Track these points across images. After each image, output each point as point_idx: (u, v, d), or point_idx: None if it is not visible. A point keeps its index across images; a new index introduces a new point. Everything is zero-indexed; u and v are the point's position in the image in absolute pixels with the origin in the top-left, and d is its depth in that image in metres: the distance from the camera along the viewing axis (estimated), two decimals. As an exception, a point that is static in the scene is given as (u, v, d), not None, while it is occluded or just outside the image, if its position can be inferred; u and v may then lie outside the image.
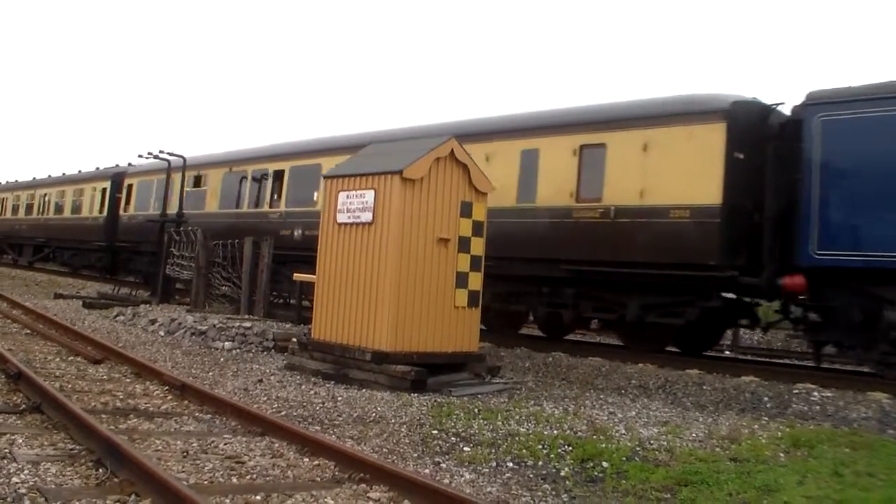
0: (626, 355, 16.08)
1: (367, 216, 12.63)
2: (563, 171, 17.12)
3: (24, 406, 8.73)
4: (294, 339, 14.35)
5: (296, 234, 23.22)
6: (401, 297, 12.20)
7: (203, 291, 21.44)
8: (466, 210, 12.98)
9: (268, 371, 13.21)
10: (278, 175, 24.96)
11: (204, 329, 16.86)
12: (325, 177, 14.34)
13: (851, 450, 9.05)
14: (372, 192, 12.60)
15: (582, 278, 16.81)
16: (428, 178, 12.50)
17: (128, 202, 34.16)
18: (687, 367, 14.49)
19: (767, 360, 19.88)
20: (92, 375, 11.47)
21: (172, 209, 26.84)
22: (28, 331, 16.10)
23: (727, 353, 20.94)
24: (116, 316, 20.44)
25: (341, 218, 13.09)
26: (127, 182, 34.51)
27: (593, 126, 16.98)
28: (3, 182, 55.11)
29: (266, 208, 25.34)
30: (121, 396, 9.97)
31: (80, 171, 42.29)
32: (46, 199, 44.19)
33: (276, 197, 25.02)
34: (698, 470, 7.72)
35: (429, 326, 12.50)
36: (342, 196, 13.13)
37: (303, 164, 23.99)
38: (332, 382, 12.35)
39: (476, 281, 13.12)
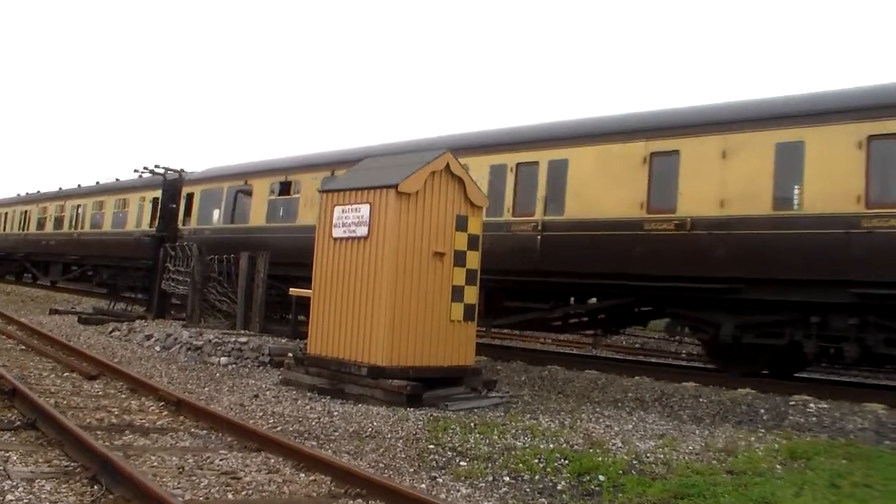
0: (623, 368, 16.08)
1: (362, 230, 12.63)
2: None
3: (18, 423, 8.72)
4: (290, 355, 14.33)
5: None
6: (396, 312, 12.19)
7: (199, 307, 21.41)
8: (462, 224, 12.98)
9: (264, 386, 13.19)
10: None
11: (200, 344, 16.84)
12: (320, 191, 14.34)
13: (848, 461, 9.05)
14: (367, 206, 12.60)
15: None
16: (423, 191, 12.51)
17: (188, 214, 29.46)
18: (683, 380, 14.47)
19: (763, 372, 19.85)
20: (87, 391, 11.44)
21: (251, 220, 25.37)
22: (23, 347, 16.07)
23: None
24: (112, 331, 20.41)
25: (337, 232, 13.08)
26: (187, 191, 29.15)
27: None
28: (22, 193, 50.92)
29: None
30: (116, 412, 9.95)
31: (117, 179, 37.72)
32: (80, 211, 39.31)
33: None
34: (695, 483, 7.71)
35: (425, 341, 12.49)
36: (337, 210, 13.12)
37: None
38: (328, 397, 12.33)
39: (472, 294, 13.11)
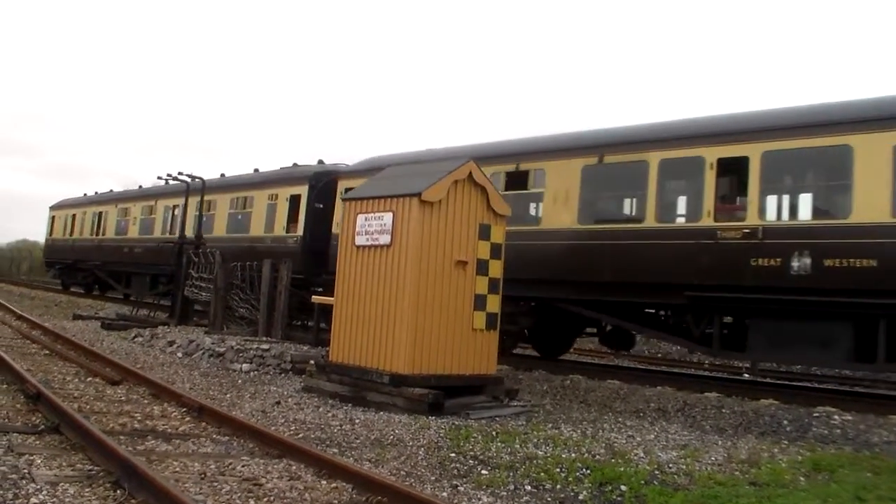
0: (645, 378, 16.02)
1: (385, 238, 12.64)
2: None
3: (42, 427, 8.76)
4: (312, 362, 14.36)
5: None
6: (419, 320, 12.19)
7: (221, 313, 21.48)
8: (485, 233, 12.98)
9: (285, 393, 13.21)
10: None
11: (222, 351, 16.89)
12: (343, 199, 14.37)
13: (873, 474, 8.97)
14: (390, 214, 12.62)
15: None
16: (446, 200, 12.51)
17: None
18: (705, 391, 14.40)
19: (787, 382, 19.74)
20: (110, 396, 11.50)
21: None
22: (47, 351, 16.17)
23: (746, 375, 20.79)
24: (135, 337, 20.51)
25: (360, 240, 13.10)
26: (344, 185, 22.71)
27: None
28: (95, 192, 45.57)
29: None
30: (139, 418, 9.98)
31: (256, 170, 31.16)
32: (177, 212, 32.82)
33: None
34: (717, 494, 7.66)
35: (447, 349, 12.49)
36: (360, 218, 13.15)
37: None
38: (350, 405, 12.34)
39: (494, 303, 13.10)
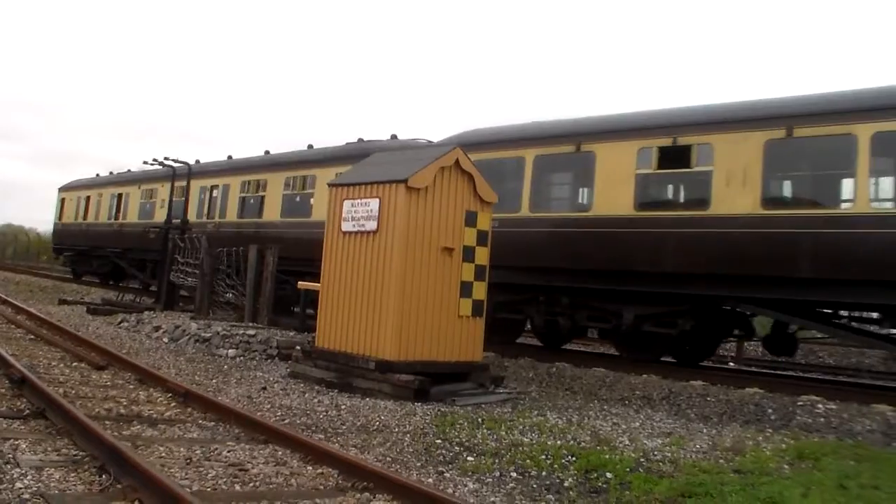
0: (630, 366, 16.04)
1: (371, 225, 12.64)
2: None
3: (27, 411, 8.74)
4: (298, 348, 14.35)
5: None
6: (405, 306, 12.20)
7: (207, 299, 21.43)
8: (471, 219, 12.99)
9: (271, 379, 13.21)
10: None
11: (208, 336, 16.87)
12: (329, 185, 14.34)
13: (856, 462, 9.03)
14: (377, 200, 12.61)
15: None
16: (433, 187, 12.52)
17: None
18: (691, 379, 14.45)
19: (771, 371, 19.83)
20: (96, 381, 11.46)
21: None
22: (32, 336, 16.10)
23: (731, 364, 20.88)
24: (120, 322, 20.45)
25: (346, 226, 13.10)
26: None
27: None
28: (112, 172, 41.12)
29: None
30: (124, 403, 9.96)
31: (310, 146, 26.94)
32: (215, 193, 29.38)
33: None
34: (702, 482, 7.69)
35: (433, 336, 12.50)
36: (347, 204, 13.14)
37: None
38: (336, 391, 12.35)
39: (480, 290, 13.12)
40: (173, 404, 10.18)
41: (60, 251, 44.81)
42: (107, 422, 8.60)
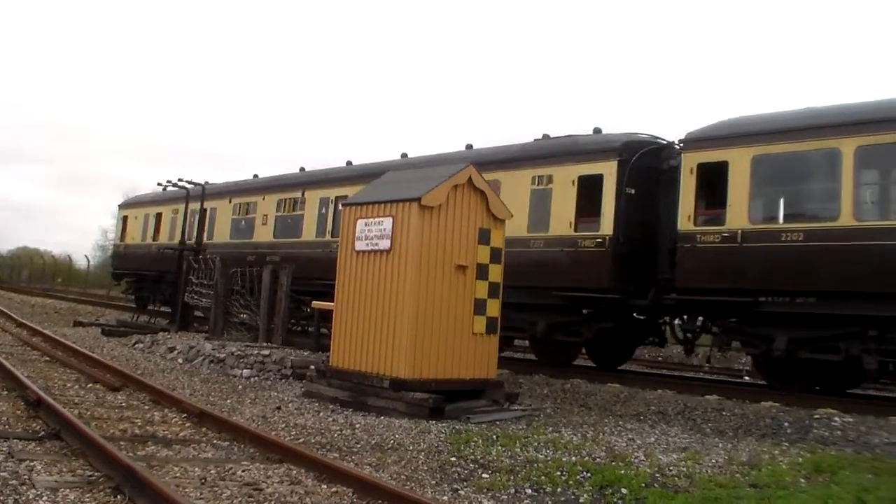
0: (645, 381, 16.01)
1: (385, 243, 12.65)
2: None
3: (43, 433, 8.77)
4: (312, 367, 14.37)
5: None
6: (419, 325, 12.20)
7: (221, 319, 21.48)
8: (484, 237, 12.99)
9: (286, 398, 13.22)
10: None
11: (222, 357, 16.90)
12: (343, 204, 14.38)
13: (874, 476, 8.96)
14: (390, 219, 12.63)
15: None
16: (446, 205, 12.53)
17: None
18: (706, 393, 14.40)
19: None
20: (111, 402, 11.50)
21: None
22: (47, 358, 16.18)
23: (746, 378, 20.79)
24: (135, 344, 20.51)
25: (359, 245, 13.11)
26: (694, 159, 16.03)
27: None
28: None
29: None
30: (139, 423, 9.99)
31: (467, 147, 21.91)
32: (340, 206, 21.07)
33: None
34: (718, 496, 7.66)
35: (447, 353, 12.49)
36: (360, 223, 13.16)
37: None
38: (350, 410, 12.34)
39: (494, 307, 13.11)
40: (188, 424, 10.20)
41: (121, 276, 37.88)
42: (122, 442, 8.63)
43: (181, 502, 5.92)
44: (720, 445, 10.77)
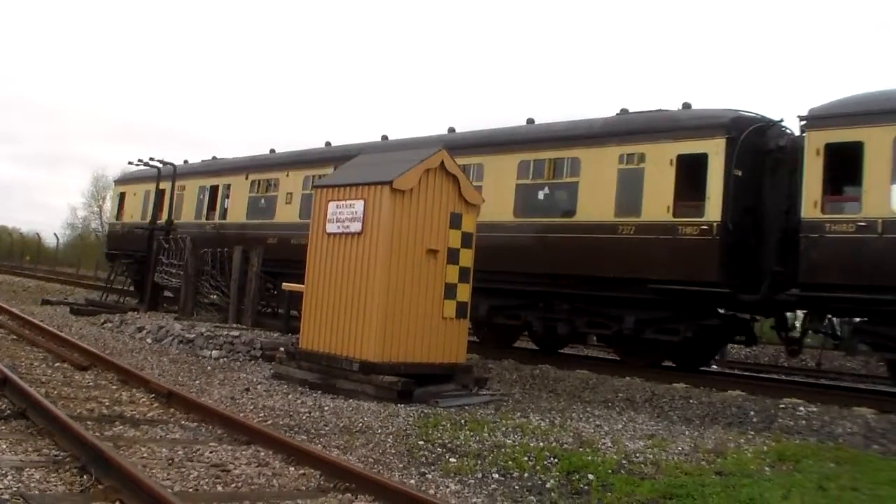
0: (614, 368, 16.07)
1: (356, 226, 12.64)
2: None
3: (8, 412, 8.70)
4: (282, 349, 14.35)
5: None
6: (389, 308, 12.20)
7: (191, 300, 21.38)
8: (456, 221, 13.00)
9: (255, 380, 13.19)
10: None
11: (191, 337, 16.84)
12: (314, 186, 14.34)
13: (836, 464, 9.08)
14: (361, 202, 12.61)
15: None
16: (418, 189, 12.52)
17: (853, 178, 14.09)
18: (674, 381, 14.49)
19: (754, 374, 19.91)
20: (78, 382, 11.43)
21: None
22: (14, 336, 16.03)
23: (714, 367, 20.95)
24: (104, 323, 20.38)
25: (330, 228, 13.09)
26: (822, 138, 14.20)
27: None
28: (184, 161, 31.29)
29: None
30: (107, 403, 9.93)
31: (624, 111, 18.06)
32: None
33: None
34: (684, 483, 7.73)
35: (417, 337, 12.51)
36: (332, 206, 13.13)
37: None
38: (319, 392, 12.34)
39: (464, 292, 13.13)
40: (156, 405, 10.16)
41: (115, 258, 32.10)
42: (89, 422, 8.58)
43: (148, 483, 5.89)
44: (686, 433, 10.85)
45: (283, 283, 17.15)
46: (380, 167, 13.33)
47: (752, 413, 12.34)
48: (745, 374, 19.83)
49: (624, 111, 17.76)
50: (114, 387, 11.33)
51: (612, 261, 15.88)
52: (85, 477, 6.46)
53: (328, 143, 25.03)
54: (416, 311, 12.49)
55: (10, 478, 6.19)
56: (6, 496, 5.76)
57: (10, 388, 9.63)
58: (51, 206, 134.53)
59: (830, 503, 7.44)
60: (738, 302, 15.18)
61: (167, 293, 25.41)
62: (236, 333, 16.75)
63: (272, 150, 27.84)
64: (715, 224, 14.81)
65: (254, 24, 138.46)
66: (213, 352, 15.91)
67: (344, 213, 12.89)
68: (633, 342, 16.69)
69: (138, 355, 15.12)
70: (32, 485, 6.13)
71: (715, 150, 15.08)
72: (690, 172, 15.40)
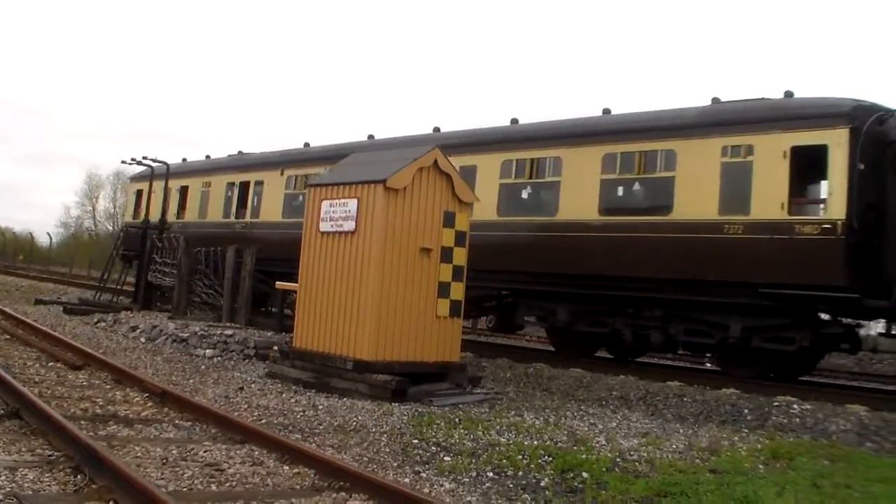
0: (608, 367, 16.06)
1: (349, 225, 12.63)
2: None
3: (1, 411, 8.66)
4: (275, 348, 14.33)
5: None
6: (382, 307, 12.20)
7: (185, 299, 21.36)
8: (449, 220, 13.00)
9: (249, 379, 13.18)
10: None
11: (185, 336, 16.82)
12: (308, 185, 14.32)
13: (830, 462, 9.10)
14: (355, 201, 12.61)
15: None
16: (411, 187, 12.52)
17: None
18: (668, 380, 14.49)
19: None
20: (72, 381, 11.41)
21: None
22: (7, 336, 15.99)
23: (708, 365, 20.94)
24: (97, 322, 20.34)
25: (324, 226, 13.09)
26: None
27: None
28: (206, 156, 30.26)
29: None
30: (100, 403, 9.92)
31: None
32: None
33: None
34: (678, 481, 7.74)
35: (410, 336, 12.51)
36: (325, 205, 13.13)
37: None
38: (313, 391, 12.34)
39: (458, 291, 13.13)
40: (150, 404, 10.14)
41: (131, 259, 29.72)
42: (82, 422, 8.56)
43: (142, 482, 5.88)
44: (681, 431, 10.87)
45: (277, 283, 17.08)
46: (373, 166, 13.33)
47: (746, 411, 12.35)
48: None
49: (716, 100, 16.19)
50: (107, 386, 11.31)
51: (715, 263, 14.50)
52: (79, 477, 6.44)
53: (371, 136, 23.70)
54: (409, 309, 12.50)
55: (3, 478, 6.17)
56: (0, 496, 5.74)
57: (4, 388, 9.59)
58: (44, 205, 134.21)
59: (824, 500, 7.44)
60: (864, 308, 13.75)
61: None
62: (230, 332, 16.74)
63: (306, 144, 25.83)
64: (839, 222, 13.41)
65: (248, 25, 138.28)
66: (207, 351, 15.89)
67: (337, 212, 12.88)
68: (738, 352, 15.19)
69: (132, 354, 15.09)
70: (26, 485, 6.11)
71: (837, 142, 13.67)
72: (807, 166, 14.20)
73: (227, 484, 6.70)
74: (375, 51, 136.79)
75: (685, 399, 13.12)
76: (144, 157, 27.87)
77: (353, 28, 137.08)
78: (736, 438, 10.38)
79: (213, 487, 6.58)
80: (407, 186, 12.45)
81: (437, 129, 21.17)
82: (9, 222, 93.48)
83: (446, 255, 12.96)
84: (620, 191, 16.24)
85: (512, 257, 17.07)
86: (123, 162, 29.01)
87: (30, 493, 5.93)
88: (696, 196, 14.78)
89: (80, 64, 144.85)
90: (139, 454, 7.44)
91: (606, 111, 17.87)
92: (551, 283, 12.75)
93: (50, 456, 7.03)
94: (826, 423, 11.49)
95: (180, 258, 21.55)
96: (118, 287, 28.37)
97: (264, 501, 6.29)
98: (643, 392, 13.62)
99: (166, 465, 7.11)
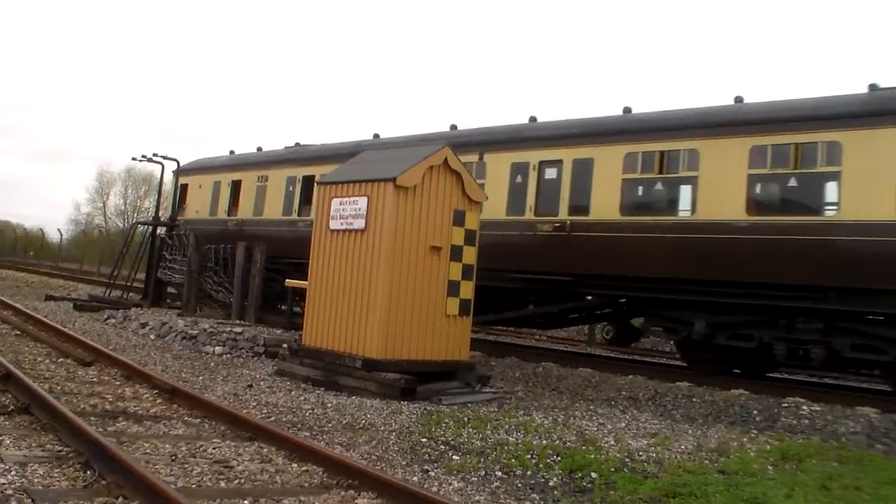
0: (617, 367, 16.04)
1: (359, 223, 12.63)
2: None
3: (12, 407, 8.70)
4: (285, 345, 14.35)
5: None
6: (392, 305, 12.20)
7: (194, 296, 21.40)
8: (459, 219, 12.99)
9: (258, 376, 13.20)
10: None
11: (195, 333, 16.84)
12: (318, 183, 14.32)
13: (839, 464, 9.07)
14: (365, 199, 12.61)
15: None
16: (421, 185, 12.52)
17: None
18: (677, 380, 14.47)
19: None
20: (81, 377, 11.44)
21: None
22: (18, 332, 16.04)
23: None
24: (107, 319, 20.40)
25: (334, 224, 13.09)
26: None
27: None
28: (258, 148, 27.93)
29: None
30: (110, 399, 9.94)
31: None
32: (548, 175, 17.18)
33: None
34: (687, 482, 7.71)
35: (420, 334, 12.51)
36: (335, 203, 13.13)
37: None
38: (322, 389, 12.34)
39: (468, 289, 13.12)
40: (159, 401, 10.16)
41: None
42: (92, 418, 8.58)
43: (151, 478, 5.90)
44: (690, 432, 10.84)
45: (287, 280, 17.05)
46: (383, 164, 13.32)
47: (755, 412, 12.33)
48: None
49: (874, 87, 13.87)
50: (117, 382, 11.34)
51: (892, 269, 12.57)
52: (88, 472, 6.46)
53: (454, 126, 21.09)
54: (419, 308, 12.50)
55: (13, 473, 6.19)
56: (10, 491, 5.76)
57: (14, 384, 9.65)
58: (54, 202, 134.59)
59: (833, 503, 7.42)
60: None
61: (170, 289, 25.40)
62: (239, 330, 16.77)
63: (376, 136, 23.14)
64: None
65: (256, 22, 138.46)
66: (217, 348, 15.92)
67: (347, 210, 12.88)
68: None
69: (141, 351, 15.13)
70: (36, 480, 6.13)
71: None
72: None
73: (236, 481, 6.71)
74: (390, 50, 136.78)
75: (694, 399, 13.11)
76: (155, 154, 27.93)
77: (369, 26, 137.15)
78: (745, 439, 10.35)
79: (222, 484, 6.59)
80: (417, 185, 12.44)
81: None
82: (19, 218, 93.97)
83: (456, 253, 12.95)
84: (775, 187, 14.66)
85: (635, 261, 15.36)
86: (134, 159, 29.18)
87: (40, 488, 5.95)
88: (868, 194, 12.88)
89: (91, 60, 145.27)
90: (148, 450, 7.46)
91: (738, 99, 15.82)
92: (689, 292, 12.39)
93: (60, 452, 7.05)
94: (836, 425, 11.46)
95: (190, 255, 21.60)
96: (128, 284, 28.48)
97: (273, 499, 6.30)
98: (652, 392, 13.60)
99: (175, 461, 7.12)
